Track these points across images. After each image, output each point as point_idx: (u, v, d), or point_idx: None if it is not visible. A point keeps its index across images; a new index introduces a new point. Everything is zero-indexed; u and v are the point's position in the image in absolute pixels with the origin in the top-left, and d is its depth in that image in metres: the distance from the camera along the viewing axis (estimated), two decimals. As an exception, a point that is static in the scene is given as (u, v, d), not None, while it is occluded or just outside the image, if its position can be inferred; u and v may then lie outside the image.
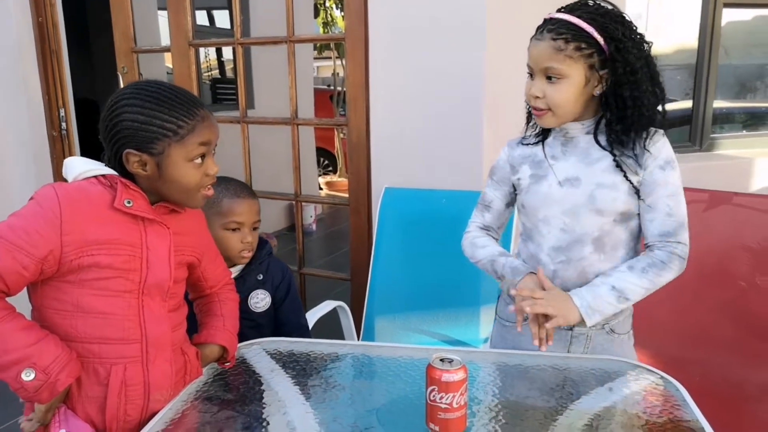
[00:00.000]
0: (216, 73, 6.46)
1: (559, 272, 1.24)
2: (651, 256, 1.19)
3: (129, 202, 1.02)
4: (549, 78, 1.15)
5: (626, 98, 1.13)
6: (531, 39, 1.18)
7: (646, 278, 1.17)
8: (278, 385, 1.14)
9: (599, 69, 1.14)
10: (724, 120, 3.21)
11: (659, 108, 1.18)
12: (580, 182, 1.21)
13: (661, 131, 1.20)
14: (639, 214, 1.22)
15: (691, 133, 2.86)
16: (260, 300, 1.54)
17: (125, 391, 1.04)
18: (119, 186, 1.02)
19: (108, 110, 1.03)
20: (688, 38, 3.00)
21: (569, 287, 1.22)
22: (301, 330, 1.65)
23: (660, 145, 1.18)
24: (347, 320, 2.11)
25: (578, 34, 1.11)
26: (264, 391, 1.14)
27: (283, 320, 1.60)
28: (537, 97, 1.16)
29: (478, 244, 1.34)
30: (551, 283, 1.20)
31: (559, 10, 1.16)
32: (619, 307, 1.18)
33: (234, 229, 1.46)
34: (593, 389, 1.14)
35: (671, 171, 1.18)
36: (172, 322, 1.11)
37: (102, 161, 1.07)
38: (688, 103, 3.05)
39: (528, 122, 1.30)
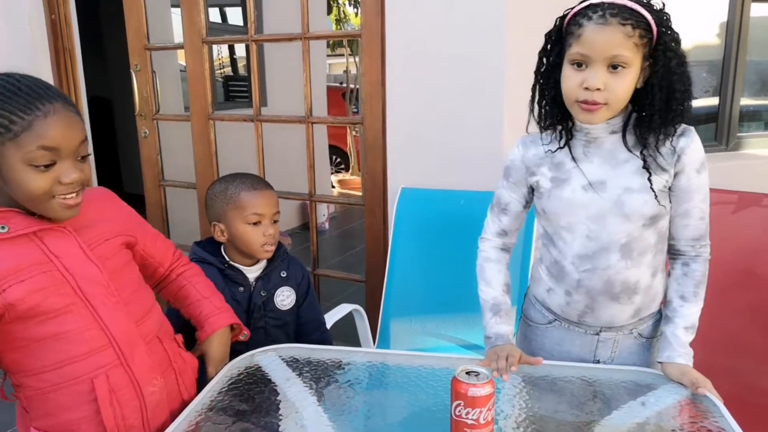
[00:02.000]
0: (228, 70, 6.45)
1: (584, 281, 1.18)
2: (692, 275, 1.18)
3: (4, 228, 0.92)
4: (613, 67, 1.05)
5: (676, 90, 1.07)
6: (581, 23, 1.05)
7: (700, 299, 1.19)
8: (295, 396, 1.10)
9: (647, 59, 1.07)
10: (750, 118, 3.12)
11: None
12: (605, 186, 1.14)
13: (693, 129, 1.13)
14: (667, 215, 1.17)
15: (717, 131, 2.78)
16: (286, 297, 1.51)
17: (117, 398, 1.00)
18: None
19: None
20: (708, 34, 2.92)
21: (594, 296, 1.18)
22: (321, 328, 1.64)
23: (696, 146, 1.12)
24: (363, 324, 2.07)
25: (639, 20, 1.03)
26: (280, 401, 1.10)
27: (304, 319, 1.58)
28: (598, 89, 1.05)
29: (485, 277, 1.29)
30: (528, 358, 1.17)
31: None
32: (694, 334, 1.20)
33: (255, 223, 1.43)
34: (625, 403, 1.09)
35: (705, 172, 1.14)
36: (134, 316, 1.05)
37: None
38: (712, 101, 2.97)
39: (544, 125, 1.19)
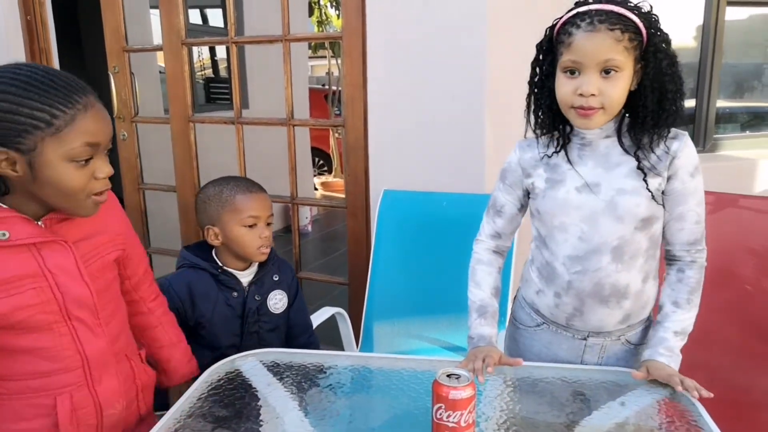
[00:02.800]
0: (209, 72, 6.41)
1: (574, 283, 1.19)
2: (686, 282, 1.19)
3: (4, 235, 0.88)
4: (605, 72, 1.07)
5: (668, 91, 1.09)
6: (571, 31, 1.07)
7: (694, 306, 1.20)
8: (276, 401, 1.09)
9: (638, 62, 1.09)
10: (726, 120, 3.19)
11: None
12: (599, 188, 1.15)
13: (686, 134, 1.14)
14: (660, 219, 1.17)
15: (695, 133, 2.84)
16: (278, 301, 1.52)
17: (76, 416, 0.99)
18: None
19: None
20: (686, 37, 2.97)
21: (583, 298, 1.19)
22: (308, 331, 1.66)
23: (690, 150, 1.13)
24: (346, 327, 2.07)
25: (628, 25, 1.06)
26: (261, 407, 1.09)
27: (292, 322, 1.59)
28: (592, 95, 1.07)
29: (475, 279, 1.30)
30: (508, 359, 1.17)
31: (581, 4, 1.09)
32: (685, 341, 1.19)
33: (251, 226, 1.43)
34: (605, 403, 1.10)
35: (699, 176, 1.14)
36: (111, 336, 1.03)
37: None
38: (689, 103, 3.03)
39: (541, 131, 1.21)
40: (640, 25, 1.06)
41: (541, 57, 1.17)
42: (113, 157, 3.18)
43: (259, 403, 1.10)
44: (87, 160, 0.89)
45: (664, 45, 1.08)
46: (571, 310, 1.21)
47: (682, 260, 1.19)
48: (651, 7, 1.10)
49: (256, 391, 1.13)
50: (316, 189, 6.51)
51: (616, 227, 1.14)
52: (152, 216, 2.87)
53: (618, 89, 1.08)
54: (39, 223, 0.93)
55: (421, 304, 2.07)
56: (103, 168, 0.91)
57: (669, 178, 1.14)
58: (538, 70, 1.18)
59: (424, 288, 2.08)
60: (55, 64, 2.88)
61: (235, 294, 1.45)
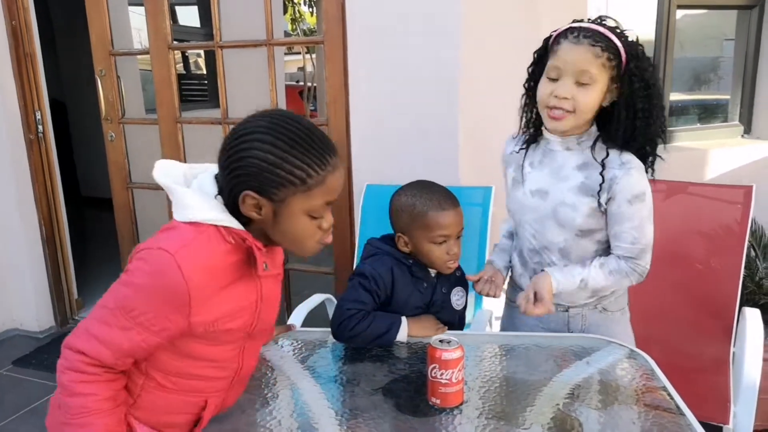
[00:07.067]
0: (180, 67, 6.41)
1: (538, 270, 1.37)
2: (618, 264, 1.30)
3: (266, 266, 0.96)
4: (580, 82, 1.21)
5: (638, 110, 1.22)
6: (560, 41, 1.22)
7: (610, 279, 1.31)
8: (289, 370, 1.25)
9: (615, 82, 1.23)
10: (681, 112, 3.40)
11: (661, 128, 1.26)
12: (547, 195, 1.32)
13: (639, 165, 1.26)
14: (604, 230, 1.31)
15: (649, 126, 3.02)
16: (460, 297, 1.51)
17: (210, 416, 1.07)
18: (257, 252, 0.95)
19: (235, 140, 0.94)
20: (648, 32, 3.08)
21: None
22: None
23: (633, 181, 1.24)
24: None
25: (609, 45, 1.20)
26: (277, 375, 1.24)
27: None
28: (565, 98, 1.21)
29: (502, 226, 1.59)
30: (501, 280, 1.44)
31: (576, 22, 1.24)
32: (579, 292, 1.34)
33: (440, 243, 1.39)
34: (573, 363, 1.28)
35: (639, 204, 1.26)
36: (257, 355, 1.15)
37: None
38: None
39: (524, 129, 1.38)
40: (621, 48, 1.21)
41: (535, 63, 1.32)
42: (90, 156, 3.22)
43: (275, 373, 1.24)
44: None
45: (639, 71, 1.21)
46: None
47: (622, 259, 1.31)
48: (637, 38, 1.24)
49: (271, 363, 1.28)
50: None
51: (559, 231, 1.32)
52: (140, 213, 2.95)
53: (589, 98, 1.22)
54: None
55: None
56: (328, 218, 1.00)
57: (608, 200, 1.27)
58: (529, 74, 1.33)
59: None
60: (40, 67, 2.93)
61: (425, 285, 1.44)
